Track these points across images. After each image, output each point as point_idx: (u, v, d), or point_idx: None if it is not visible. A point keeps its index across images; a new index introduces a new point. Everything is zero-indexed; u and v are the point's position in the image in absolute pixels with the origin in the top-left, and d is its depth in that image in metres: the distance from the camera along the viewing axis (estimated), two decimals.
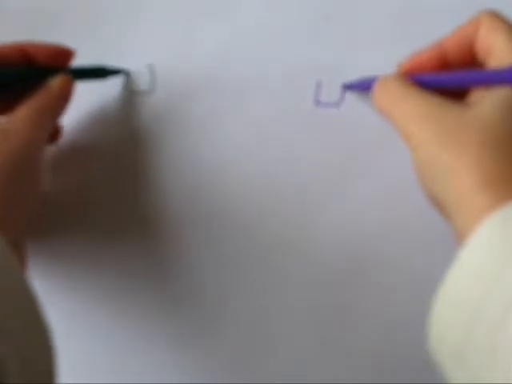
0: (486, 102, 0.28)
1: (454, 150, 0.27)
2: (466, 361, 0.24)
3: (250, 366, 0.37)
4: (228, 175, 0.37)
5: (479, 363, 0.23)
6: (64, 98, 0.34)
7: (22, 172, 0.32)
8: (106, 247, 0.38)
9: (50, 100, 0.34)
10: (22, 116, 0.32)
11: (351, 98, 0.36)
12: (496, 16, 0.29)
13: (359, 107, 0.36)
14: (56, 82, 0.34)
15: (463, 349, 0.24)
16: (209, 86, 0.38)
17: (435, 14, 0.36)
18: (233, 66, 0.37)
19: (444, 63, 0.31)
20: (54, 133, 0.37)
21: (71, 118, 0.37)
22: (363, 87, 0.35)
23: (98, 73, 0.37)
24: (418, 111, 0.29)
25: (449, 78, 0.30)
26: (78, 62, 0.36)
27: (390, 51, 0.36)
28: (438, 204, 0.29)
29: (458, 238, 0.27)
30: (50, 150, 0.37)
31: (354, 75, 0.36)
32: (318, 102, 0.37)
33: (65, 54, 0.35)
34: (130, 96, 0.38)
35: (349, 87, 0.36)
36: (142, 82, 0.38)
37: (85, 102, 0.37)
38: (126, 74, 0.38)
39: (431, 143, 0.28)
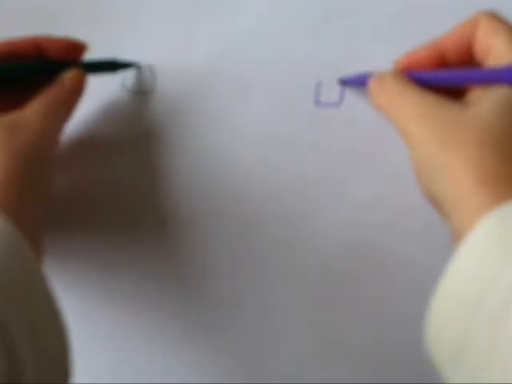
0: (484, 101, 0.28)
1: (452, 148, 0.27)
2: (464, 359, 0.24)
3: (250, 365, 0.37)
4: (227, 175, 0.37)
5: (478, 361, 0.23)
6: (77, 91, 0.35)
7: (36, 165, 0.32)
8: (115, 244, 0.38)
9: (62, 94, 0.34)
10: (34, 109, 0.32)
11: (351, 97, 0.36)
12: (495, 17, 0.29)
13: (359, 107, 0.36)
14: (69, 76, 0.34)
15: (462, 347, 0.24)
16: (209, 86, 0.38)
17: (435, 14, 0.36)
18: (233, 66, 0.37)
19: (441, 62, 0.31)
20: None
21: (78, 115, 0.37)
22: (360, 82, 0.35)
23: (110, 66, 0.37)
24: (416, 110, 0.29)
25: (447, 75, 0.30)
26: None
27: (390, 51, 0.36)
28: (436, 203, 0.29)
29: (455, 236, 0.27)
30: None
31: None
32: (318, 102, 0.37)
33: (77, 48, 0.35)
34: (130, 96, 0.38)
35: (346, 82, 0.36)
36: (142, 81, 0.38)
37: (91, 97, 0.37)
38: (137, 67, 0.38)
39: (429, 142, 0.28)
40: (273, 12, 0.37)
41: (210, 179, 0.37)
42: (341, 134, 0.36)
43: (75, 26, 0.39)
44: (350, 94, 0.36)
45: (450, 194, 0.27)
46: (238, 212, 0.37)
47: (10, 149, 0.30)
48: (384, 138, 0.36)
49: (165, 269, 0.37)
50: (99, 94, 0.37)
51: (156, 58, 0.38)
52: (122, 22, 0.39)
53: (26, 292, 0.27)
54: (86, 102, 0.36)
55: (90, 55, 0.36)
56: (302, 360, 0.37)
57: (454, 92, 0.30)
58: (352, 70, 0.36)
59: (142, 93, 0.38)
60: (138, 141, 0.38)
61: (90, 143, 0.38)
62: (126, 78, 0.38)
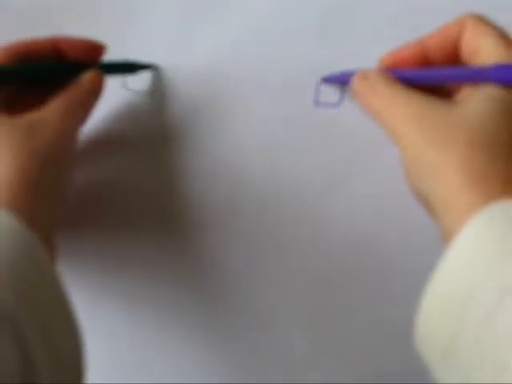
0: (472, 100, 0.28)
1: (440, 148, 0.27)
2: (455, 359, 0.24)
3: (250, 365, 0.37)
4: (227, 175, 0.37)
5: (469, 361, 0.23)
6: (95, 93, 0.35)
7: (53, 166, 0.32)
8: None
9: (80, 95, 0.34)
10: (52, 110, 0.32)
11: (351, 98, 0.36)
12: (482, 19, 0.29)
13: (359, 107, 0.36)
14: (87, 77, 0.34)
15: (452, 347, 0.24)
16: (208, 86, 0.38)
17: (435, 14, 0.35)
18: (232, 66, 0.37)
19: (425, 61, 0.31)
20: None
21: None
22: (342, 81, 0.34)
23: (128, 68, 0.37)
24: (404, 111, 0.29)
25: (434, 73, 0.30)
26: None
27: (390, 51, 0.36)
28: (426, 203, 0.29)
29: (444, 236, 0.27)
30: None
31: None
32: (318, 102, 0.37)
33: (96, 49, 0.35)
34: (131, 97, 0.38)
35: (328, 80, 0.36)
36: (143, 81, 0.38)
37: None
38: (155, 68, 0.38)
39: (418, 141, 0.28)
40: (273, 12, 0.37)
41: (210, 179, 0.37)
42: (341, 134, 0.36)
43: (75, 26, 0.38)
44: (350, 94, 0.36)
45: (439, 194, 0.27)
46: (238, 213, 0.37)
47: (26, 150, 0.30)
48: (384, 138, 0.36)
49: (174, 269, 0.38)
50: (109, 94, 0.37)
51: (156, 57, 0.38)
52: (122, 22, 0.39)
53: (39, 293, 0.27)
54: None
55: None
56: (302, 360, 0.37)
57: (440, 91, 0.30)
58: (352, 69, 0.36)
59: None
60: (136, 140, 0.38)
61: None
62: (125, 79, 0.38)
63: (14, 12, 0.39)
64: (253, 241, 0.37)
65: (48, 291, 0.28)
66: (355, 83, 0.32)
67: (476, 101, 0.28)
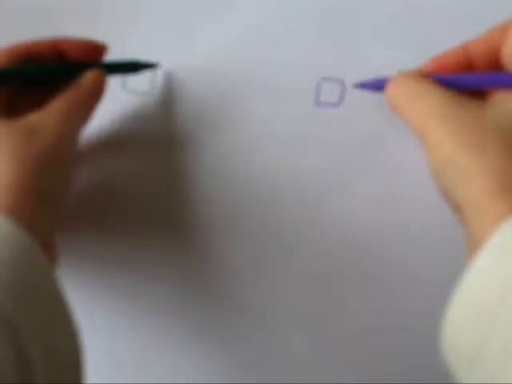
0: (508, 104, 0.27)
1: (473, 151, 0.26)
2: (480, 367, 0.23)
3: (250, 365, 0.37)
4: (227, 175, 0.37)
5: (494, 370, 0.23)
6: (96, 93, 0.34)
7: (53, 169, 0.31)
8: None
9: (82, 95, 0.33)
10: (53, 111, 0.32)
11: (351, 98, 0.36)
12: None
13: (359, 107, 0.36)
14: (88, 77, 0.34)
15: (478, 355, 0.23)
16: (208, 86, 0.38)
17: (435, 14, 0.36)
18: (232, 66, 0.37)
19: (467, 67, 0.30)
20: None
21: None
22: (376, 87, 0.34)
23: (131, 67, 0.37)
24: (435, 109, 0.28)
25: (471, 78, 0.30)
26: None
27: (390, 51, 0.36)
28: (454, 205, 0.28)
29: (472, 241, 0.26)
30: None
31: (353, 75, 0.36)
32: (318, 102, 0.37)
33: (97, 50, 0.35)
34: (131, 96, 0.38)
35: (363, 86, 0.35)
36: (142, 82, 0.38)
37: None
38: (157, 67, 0.38)
39: (449, 143, 0.27)
40: (273, 12, 0.37)
41: (210, 179, 0.37)
42: (341, 134, 0.36)
43: (75, 26, 0.39)
44: (350, 94, 0.36)
45: (470, 199, 0.26)
46: (239, 213, 0.37)
47: (27, 153, 0.30)
48: (384, 138, 0.36)
49: (173, 269, 0.38)
50: (108, 95, 0.37)
51: (156, 57, 0.38)
52: (122, 22, 0.39)
53: (37, 297, 0.27)
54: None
55: None
56: (301, 359, 0.37)
57: (475, 94, 0.29)
58: (352, 69, 0.36)
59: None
60: (140, 142, 0.38)
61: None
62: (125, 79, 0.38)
63: (14, 12, 0.39)
64: (254, 241, 0.37)
65: (46, 294, 0.28)
66: (391, 86, 0.31)
67: (509, 102, 0.27)
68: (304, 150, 0.37)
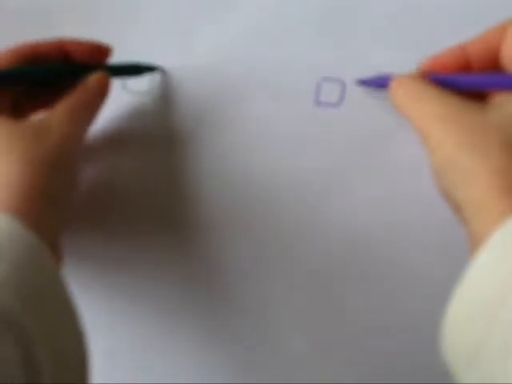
0: (509, 104, 0.27)
1: (475, 151, 0.26)
2: (480, 366, 0.23)
3: (250, 365, 0.37)
4: (226, 174, 0.37)
5: (494, 369, 0.23)
6: (101, 95, 0.35)
7: (60, 170, 0.32)
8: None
9: (87, 97, 0.34)
10: (59, 113, 0.32)
11: (351, 98, 0.36)
12: None
13: (359, 107, 0.36)
14: (93, 79, 0.34)
15: (478, 353, 0.23)
16: (208, 85, 0.38)
17: (435, 14, 0.36)
18: (232, 66, 0.37)
19: (466, 67, 0.30)
20: None
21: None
22: (379, 84, 0.34)
23: (134, 70, 0.37)
24: (437, 110, 0.28)
25: (471, 79, 0.30)
26: None
27: (390, 51, 0.36)
28: (455, 206, 0.28)
29: (473, 240, 0.26)
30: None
31: (353, 75, 0.36)
32: (318, 102, 0.37)
33: (102, 52, 0.35)
34: (131, 96, 0.38)
35: (365, 83, 0.35)
36: (142, 82, 0.38)
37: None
38: (161, 71, 0.38)
39: (450, 143, 0.27)
40: (273, 12, 0.37)
41: (209, 179, 0.37)
42: (341, 134, 0.36)
43: (75, 26, 0.39)
44: (350, 94, 0.36)
45: (471, 199, 0.26)
46: (238, 213, 0.37)
47: (33, 156, 0.30)
48: (384, 138, 0.36)
49: (175, 270, 0.38)
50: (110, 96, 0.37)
51: (156, 58, 0.38)
52: (122, 22, 0.39)
53: (44, 299, 0.27)
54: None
55: None
56: (302, 360, 0.37)
57: (476, 95, 0.30)
58: (352, 69, 0.36)
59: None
60: (141, 142, 0.38)
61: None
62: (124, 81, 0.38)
63: (14, 12, 0.39)
64: (254, 241, 0.37)
65: (53, 296, 0.28)
66: (393, 86, 0.32)
67: (511, 103, 0.27)
68: (304, 150, 0.37)
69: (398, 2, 0.36)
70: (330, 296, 0.36)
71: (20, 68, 0.33)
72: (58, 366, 0.26)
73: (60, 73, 0.34)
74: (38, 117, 0.32)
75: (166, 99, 0.38)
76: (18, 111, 0.33)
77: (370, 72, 0.35)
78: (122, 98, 0.38)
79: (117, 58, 0.37)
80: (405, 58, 0.35)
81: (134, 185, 0.38)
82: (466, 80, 0.30)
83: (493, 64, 0.30)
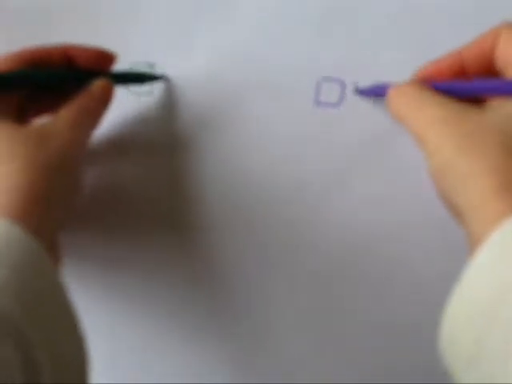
0: (505, 105, 0.27)
1: (471, 153, 0.26)
2: (480, 366, 0.23)
3: (250, 365, 0.37)
4: (226, 175, 0.37)
5: (494, 369, 0.23)
6: (104, 101, 0.35)
7: (62, 175, 0.32)
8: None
9: (90, 103, 0.34)
10: (62, 118, 0.32)
11: (351, 98, 0.36)
12: None
13: (359, 107, 0.36)
14: (97, 86, 0.34)
15: (478, 354, 0.23)
16: (208, 85, 0.38)
17: (435, 14, 0.36)
18: (232, 66, 0.37)
19: (461, 72, 0.31)
20: None
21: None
22: (377, 93, 0.34)
23: (138, 78, 0.37)
24: (434, 114, 0.28)
25: (467, 85, 0.30)
26: None
27: (390, 51, 0.36)
28: (454, 210, 0.28)
29: (472, 240, 0.26)
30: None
31: (353, 75, 0.36)
32: (318, 102, 0.37)
33: (107, 58, 0.35)
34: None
35: (362, 92, 0.36)
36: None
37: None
38: (165, 79, 0.38)
39: (448, 147, 0.27)
40: (273, 12, 0.37)
41: (210, 179, 0.37)
42: (341, 134, 0.36)
43: (75, 26, 0.39)
44: (350, 94, 0.36)
45: (468, 200, 0.26)
46: (238, 214, 0.37)
47: (35, 160, 0.30)
48: (384, 138, 0.36)
49: (177, 271, 0.38)
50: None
51: (156, 58, 0.38)
52: (122, 22, 0.39)
53: (44, 303, 0.27)
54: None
55: None
56: (305, 360, 0.37)
57: (473, 101, 0.30)
58: (352, 69, 0.36)
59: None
60: (141, 145, 0.38)
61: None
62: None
63: (14, 12, 0.39)
64: (254, 241, 0.37)
65: (52, 300, 0.28)
66: (390, 94, 0.32)
67: (508, 106, 0.27)
68: (304, 150, 0.37)
69: (398, 2, 0.36)
70: (329, 296, 0.36)
71: (23, 71, 0.33)
72: (57, 370, 0.27)
73: (64, 78, 0.34)
74: (41, 121, 0.32)
75: (165, 99, 0.38)
76: (22, 115, 0.33)
77: (370, 72, 0.35)
78: (122, 100, 0.38)
79: (117, 57, 0.37)
80: (405, 57, 0.35)
81: (135, 187, 0.38)
82: (462, 87, 0.30)
83: (487, 69, 0.30)
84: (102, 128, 0.37)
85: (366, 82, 0.36)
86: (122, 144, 0.38)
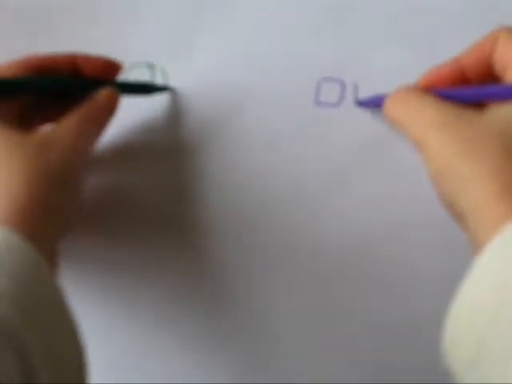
0: (503, 108, 0.27)
1: (471, 157, 0.26)
2: (481, 368, 0.23)
3: (249, 365, 0.37)
4: (225, 175, 0.37)
5: (495, 372, 0.23)
6: (109, 110, 0.34)
7: (65, 182, 0.32)
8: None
9: (95, 111, 0.34)
10: (67, 126, 0.32)
11: (351, 98, 0.36)
12: None
13: (359, 107, 0.36)
14: (102, 95, 0.34)
15: (480, 356, 0.23)
16: (208, 85, 0.38)
17: (435, 15, 0.36)
18: (232, 66, 0.37)
19: (462, 79, 0.31)
20: None
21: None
22: (376, 104, 0.34)
23: (144, 89, 0.37)
24: (433, 119, 0.29)
25: (466, 92, 0.30)
26: None
27: (390, 51, 0.36)
28: (456, 213, 0.28)
29: (474, 243, 0.26)
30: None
31: (353, 75, 0.36)
32: (318, 102, 0.37)
33: (113, 68, 0.35)
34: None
35: (361, 104, 0.36)
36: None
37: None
38: (172, 91, 0.38)
39: (448, 150, 0.27)
40: (273, 12, 0.37)
41: (210, 178, 0.37)
42: (341, 135, 0.36)
43: (75, 26, 0.39)
44: (350, 94, 0.36)
45: (469, 204, 0.26)
46: (238, 214, 0.37)
47: (35, 167, 0.30)
48: (384, 138, 0.36)
49: (177, 274, 0.37)
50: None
51: (156, 58, 0.38)
52: (122, 22, 0.39)
53: (43, 310, 0.27)
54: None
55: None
56: (306, 360, 0.37)
57: (473, 105, 0.30)
58: (352, 70, 0.36)
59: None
60: (145, 151, 0.38)
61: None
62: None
63: (14, 12, 0.39)
64: (254, 242, 0.37)
65: (52, 307, 0.28)
66: (388, 101, 0.32)
67: (507, 108, 0.27)
68: (304, 150, 0.37)
69: (398, 2, 0.36)
70: (329, 296, 0.36)
71: (28, 77, 0.33)
72: (56, 375, 0.27)
73: (69, 85, 0.34)
74: (45, 128, 0.32)
75: (165, 99, 0.38)
76: (26, 123, 0.33)
77: (370, 72, 0.35)
78: (125, 106, 0.38)
79: (117, 57, 0.37)
80: (405, 58, 0.35)
81: (138, 193, 0.38)
82: (460, 93, 0.30)
83: (487, 74, 0.30)
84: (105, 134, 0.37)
85: (365, 82, 0.36)
86: (125, 149, 0.38)
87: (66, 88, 0.34)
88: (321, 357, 0.37)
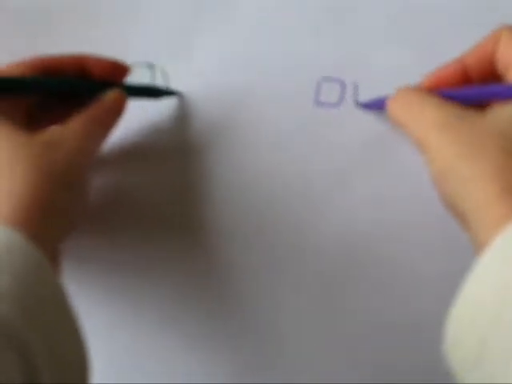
0: (504, 108, 0.27)
1: (473, 157, 0.26)
2: (482, 369, 0.24)
3: (249, 365, 0.37)
4: (226, 175, 0.37)
5: (496, 372, 0.23)
6: (116, 112, 0.34)
7: (70, 183, 0.32)
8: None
9: (102, 113, 0.33)
10: (73, 127, 0.32)
11: (351, 98, 0.36)
12: None
13: (359, 107, 0.36)
14: (110, 97, 0.34)
15: (481, 356, 0.24)
16: (207, 86, 0.38)
17: (435, 15, 0.36)
18: (232, 66, 0.37)
19: (465, 79, 0.31)
20: None
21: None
22: (378, 106, 0.34)
23: (151, 92, 0.37)
24: (435, 120, 0.29)
25: (469, 92, 0.30)
26: None
27: (390, 51, 0.36)
28: (458, 214, 0.28)
29: (475, 243, 0.26)
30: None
31: (353, 75, 0.36)
32: (318, 102, 0.37)
33: (120, 70, 0.35)
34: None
35: (364, 106, 0.36)
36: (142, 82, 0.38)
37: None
38: (179, 95, 0.37)
39: (449, 151, 0.27)
40: (273, 12, 0.37)
41: (210, 178, 0.37)
42: (341, 135, 0.36)
43: (75, 26, 0.39)
44: (350, 94, 0.36)
45: (471, 204, 0.26)
46: (239, 214, 0.37)
47: (43, 168, 0.30)
48: (384, 138, 0.36)
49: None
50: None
51: (156, 58, 0.38)
52: (122, 22, 0.39)
53: (46, 310, 0.27)
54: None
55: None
56: (305, 360, 0.37)
57: (476, 107, 0.30)
58: (352, 69, 0.36)
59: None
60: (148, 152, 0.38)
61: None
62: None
63: (14, 12, 0.39)
64: (254, 242, 0.37)
65: (54, 307, 0.28)
66: (391, 101, 0.32)
67: (508, 108, 0.27)
68: (304, 151, 0.37)
69: (398, 2, 0.36)
70: (331, 296, 0.36)
71: (36, 77, 0.33)
72: (58, 375, 0.27)
73: (77, 87, 0.34)
74: (52, 130, 0.32)
75: (165, 99, 0.38)
76: (33, 123, 0.33)
77: (370, 72, 0.35)
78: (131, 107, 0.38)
79: (117, 57, 0.37)
80: (405, 58, 0.35)
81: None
82: (462, 93, 0.30)
83: (489, 73, 0.30)
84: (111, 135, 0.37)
85: (366, 82, 0.36)
86: (132, 150, 0.38)
87: (73, 89, 0.34)
88: (323, 357, 0.37)
